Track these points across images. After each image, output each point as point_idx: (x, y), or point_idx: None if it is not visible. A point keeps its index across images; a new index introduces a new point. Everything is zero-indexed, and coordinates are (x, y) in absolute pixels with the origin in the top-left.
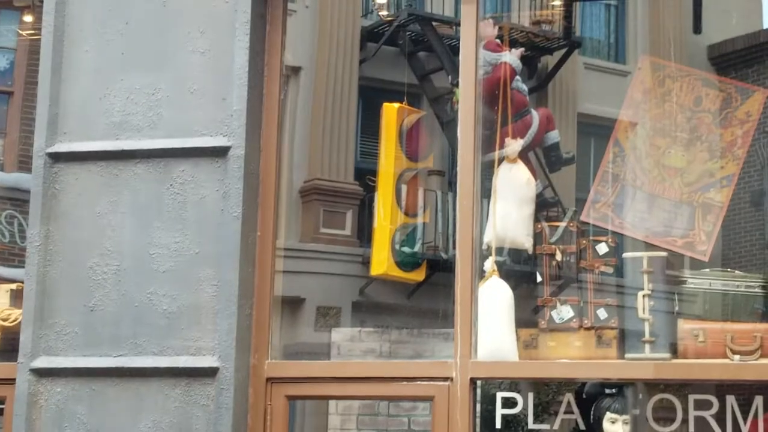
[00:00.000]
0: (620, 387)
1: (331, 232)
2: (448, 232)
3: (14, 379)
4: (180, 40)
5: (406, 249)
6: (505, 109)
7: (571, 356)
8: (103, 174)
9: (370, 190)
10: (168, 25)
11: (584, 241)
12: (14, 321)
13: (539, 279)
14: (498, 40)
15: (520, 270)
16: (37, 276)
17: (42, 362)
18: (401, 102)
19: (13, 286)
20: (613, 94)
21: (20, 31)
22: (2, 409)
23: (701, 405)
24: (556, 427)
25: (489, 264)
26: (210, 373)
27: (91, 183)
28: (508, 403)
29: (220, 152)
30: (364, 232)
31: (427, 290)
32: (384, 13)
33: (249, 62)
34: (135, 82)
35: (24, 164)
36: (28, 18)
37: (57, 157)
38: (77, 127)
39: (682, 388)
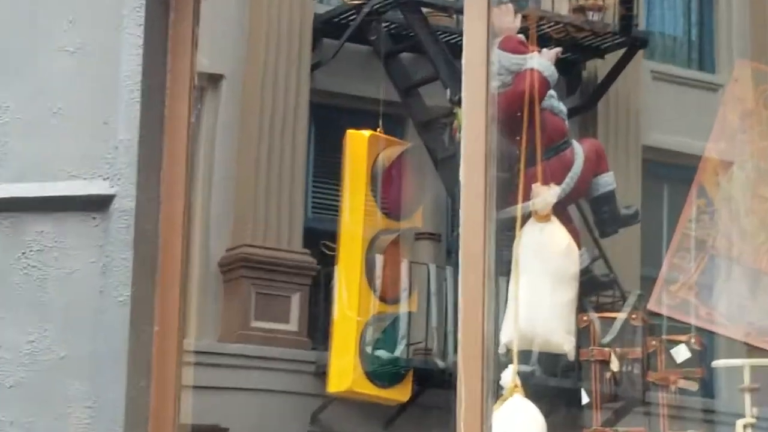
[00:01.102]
0: None
1: (268, 326)
2: (446, 327)
3: None
4: (39, 34)
5: (382, 353)
6: (532, 139)
7: None
8: None
9: (328, 262)
10: (22, 13)
11: (654, 342)
12: None
13: (586, 399)
14: (521, 36)
15: (556, 386)
16: None
17: None
18: (374, 128)
19: None
20: (695, 119)
21: None
22: None
23: None
24: None
25: (509, 376)
26: None
27: None
28: None
29: (98, 204)
30: (317, 327)
31: (416, 416)
32: None
33: (143, 68)
34: None
35: None
36: None
37: None
38: None
39: None
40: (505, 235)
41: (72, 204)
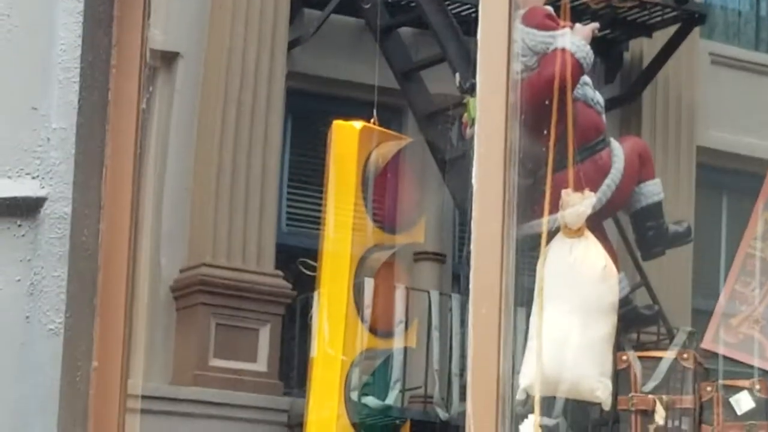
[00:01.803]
0: None
1: (231, 366)
2: (451, 369)
3: None
4: None
5: (370, 400)
6: (563, 137)
7: None
8: None
9: (305, 286)
10: None
11: (709, 389)
12: None
13: None
14: (550, 9)
15: None
16: None
17: None
18: (367, 119)
19: None
20: (763, 114)
21: None
22: None
23: None
24: None
25: (529, 429)
26: None
27: None
28: None
29: (25, 209)
30: (292, 367)
31: None
32: None
33: (83, 41)
34: None
35: None
36: None
37: None
38: None
39: None
40: (527, 255)
41: None
